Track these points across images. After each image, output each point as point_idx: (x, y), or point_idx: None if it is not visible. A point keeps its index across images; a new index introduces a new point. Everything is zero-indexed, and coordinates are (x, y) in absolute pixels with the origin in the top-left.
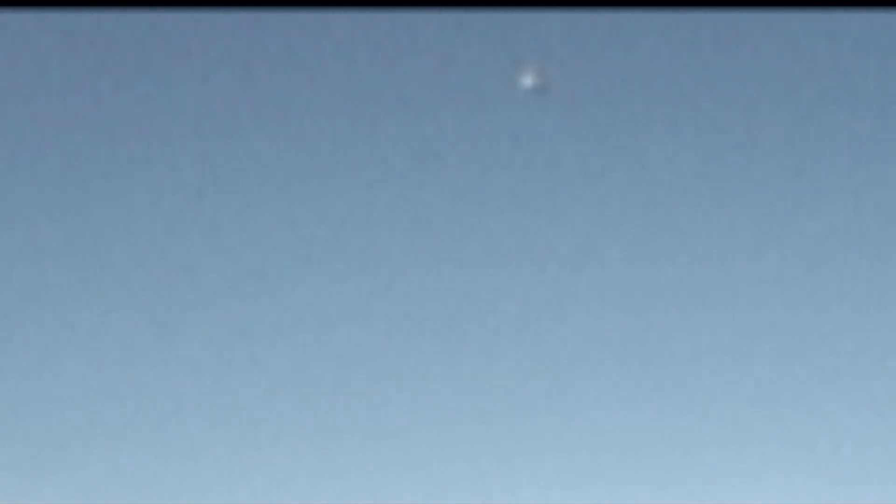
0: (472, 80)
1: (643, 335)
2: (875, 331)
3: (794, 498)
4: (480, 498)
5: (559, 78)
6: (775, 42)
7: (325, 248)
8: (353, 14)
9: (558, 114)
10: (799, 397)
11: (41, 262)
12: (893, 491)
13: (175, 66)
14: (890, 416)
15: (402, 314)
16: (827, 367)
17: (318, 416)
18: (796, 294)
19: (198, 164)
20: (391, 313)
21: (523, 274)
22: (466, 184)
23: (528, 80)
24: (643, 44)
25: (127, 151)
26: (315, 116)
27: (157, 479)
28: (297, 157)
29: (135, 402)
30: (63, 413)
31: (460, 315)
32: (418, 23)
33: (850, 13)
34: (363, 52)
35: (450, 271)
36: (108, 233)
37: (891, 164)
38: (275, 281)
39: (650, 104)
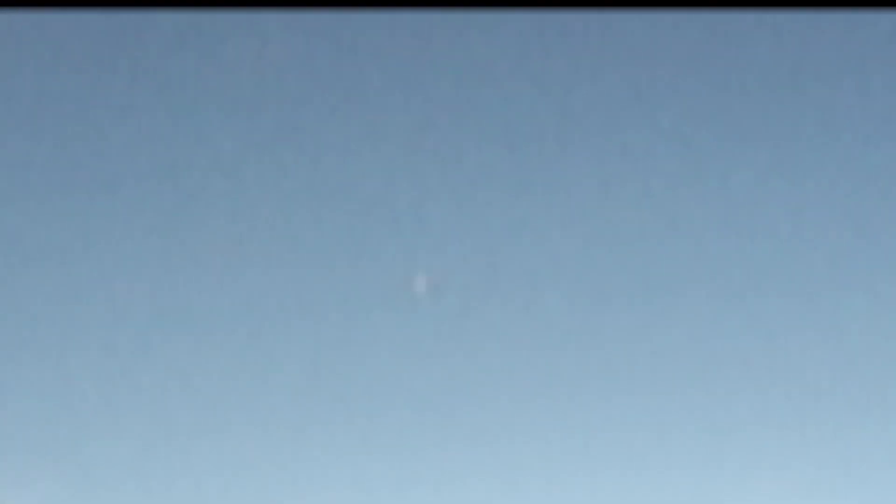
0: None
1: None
2: (874, 327)
3: (792, 495)
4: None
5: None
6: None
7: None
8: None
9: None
10: (795, 394)
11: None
12: (893, 490)
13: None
14: (890, 414)
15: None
16: (825, 365)
17: (313, 414)
18: (793, 290)
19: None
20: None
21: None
22: None
23: (421, 286)
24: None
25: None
26: None
27: (150, 477)
28: None
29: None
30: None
31: None
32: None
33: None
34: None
35: None
36: (104, 230)
37: (888, 161)
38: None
39: None
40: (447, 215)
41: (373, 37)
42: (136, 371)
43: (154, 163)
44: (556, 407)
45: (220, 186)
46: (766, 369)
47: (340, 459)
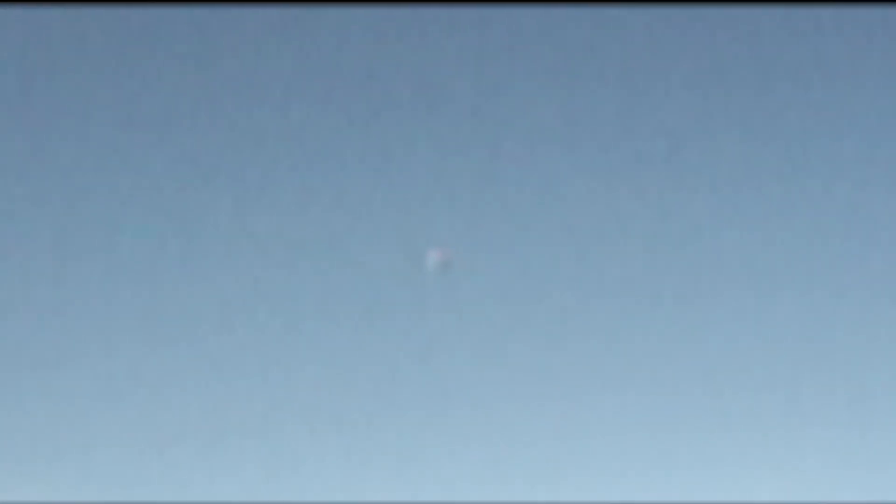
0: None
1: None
2: (873, 327)
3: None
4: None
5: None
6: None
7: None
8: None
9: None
10: (795, 393)
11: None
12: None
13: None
14: (889, 412)
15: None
16: (825, 365)
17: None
18: (792, 289)
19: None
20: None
21: None
22: None
23: (432, 261)
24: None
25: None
26: None
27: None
28: None
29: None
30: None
31: None
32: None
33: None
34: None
35: None
36: (103, 231)
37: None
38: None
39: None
40: (461, 200)
41: (399, 31)
42: (137, 369)
43: (160, 155)
44: (558, 397)
45: (232, 173)
46: (766, 369)
47: (343, 446)
